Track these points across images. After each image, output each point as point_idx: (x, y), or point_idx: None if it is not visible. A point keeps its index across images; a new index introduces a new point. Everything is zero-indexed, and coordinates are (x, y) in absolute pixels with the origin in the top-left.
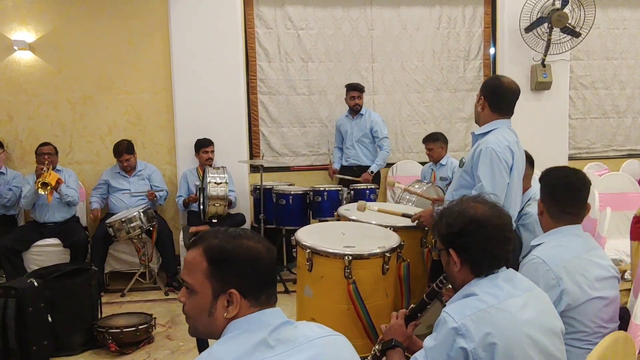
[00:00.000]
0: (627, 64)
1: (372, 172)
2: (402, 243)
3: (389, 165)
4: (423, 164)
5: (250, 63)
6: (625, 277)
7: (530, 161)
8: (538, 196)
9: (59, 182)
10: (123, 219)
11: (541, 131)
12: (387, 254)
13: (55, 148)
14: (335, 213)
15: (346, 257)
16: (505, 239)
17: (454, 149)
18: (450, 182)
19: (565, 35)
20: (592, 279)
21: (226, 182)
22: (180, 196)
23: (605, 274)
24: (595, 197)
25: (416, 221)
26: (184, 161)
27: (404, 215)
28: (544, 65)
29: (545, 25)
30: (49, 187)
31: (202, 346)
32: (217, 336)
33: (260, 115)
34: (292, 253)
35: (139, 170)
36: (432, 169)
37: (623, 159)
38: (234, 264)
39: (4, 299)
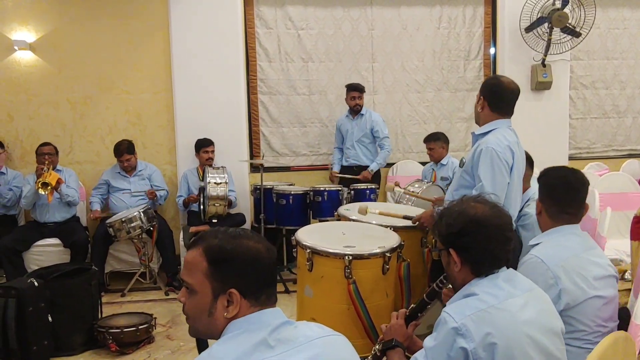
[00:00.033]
0: (628, 64)
1: (372, 170)
2: (403, 243)
3: (389, 165)
4: (423, 164)
5: (251, 63)
6: (626, 277)
7: (529, 161)
8: (537, 196)
9: (59, 182)
10: (123, 219)
11: (541, 131)
12: (388, 254)
13: (55, 148)
14: (336, 213)
15: (346, 257)
16: (506, 239)
17: (455, 149)
18: (450, 182)
19: (565, 35)
20: (591, 278)
21: (226, 182)
22: (181, 196)
23: (603, 273)
24: (595, 197)
25: (417, 222)
26: (184, 161)
27: (405, 217)
28: (544, 65)
29: (546, 25)
30: (50, 187)
31: (201, 346)
32: (217, 336)
33: (260, 115)
34: (292, 253)
35: (139, 170)
36: (433, 169)
37: (623, 158)
38: (234, 264)
39: (5, 299)
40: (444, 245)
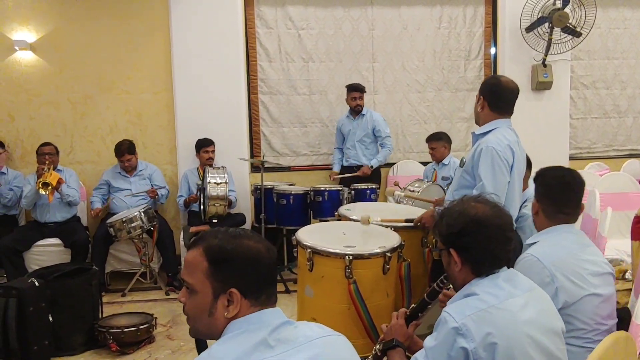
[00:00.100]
0: (628, 64)
1: (371, 166)
2: (403, 243)
3: (390, 165)
4: (424, 163)
5: (251, 63)
6: (626, 277)
7: (527, 162)
8: None
9: (59, 182)
10: (124, 219)
11: (542, 131)
12: (388, 254)
13: (56, 148)
14: (336, 213)
15: (347, 257)
16: (506, 239)
17: (455, 149)
18: (451, 182)
19: (566, 35)
20: (587, 276)
21: (226, 182)
22: (181, 196)
23: (599, 270)
24: (596, 197)
25: (418, 223)
26: (184, 161)
27: (406, 221)
28: (544, 65)
29: (546, 25)
30: (50, 187)
31: (200, 347)
32: (217, 336)
33: (260, 115)
34: (292, 253)
35: (140, 170)
36: (434, 169)
37: (624, 158)
38: (234, 264)
39: (5, 299)
40: (444, 245)
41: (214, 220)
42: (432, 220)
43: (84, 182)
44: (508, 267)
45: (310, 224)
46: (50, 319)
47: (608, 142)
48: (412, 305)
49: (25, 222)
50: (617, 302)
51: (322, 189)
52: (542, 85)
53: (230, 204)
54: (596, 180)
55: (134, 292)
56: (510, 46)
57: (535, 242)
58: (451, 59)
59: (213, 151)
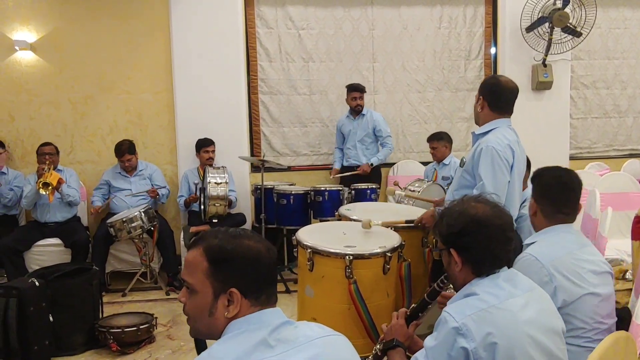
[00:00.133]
0: (629, 64)
1: (371, 164)
2: (403, 243)
3: (390, 165)
4: (424, 163)
5: (251, 63)
6: (627, 277)
7: (527, 162)
8: None
9: (60, 182)
10: (124, 219)
11: (542, 131)
12: (388, 254)
13: (56, 148)
14: (336, 213)
15: (347, 257)
16: (506, 239)
17: (455, 149)
18: (451, 181)
19: (566, 34)
20: (586, 275)
21: (226, 182)
22: (182, 196)
23: (598, 270)
24: (596, 197)
25: (419, 223)
26: (185, 161)
27: (407, 222)
28: (545, 65)
29: (546, 24)
30: (50, 187)
31: (199, 347)
32: (217, 336)
33: (261, 115)
34: (293, 253)
35: (140, 170)
36: (435, 169)
37: (624, 158)
38: (234, 264)
39: (6, 299)
40: (444, 245)
41: (214, 220)
42: (433, 220)
43: (84, 182)
44: (508, 267)
45: (310, 224)
46: (51, 318)
47: (608, 142)
48: (413, 305)
49: (25, 222)
50: (617, 302)
51: (322, 189)
52: (542, 85)
53: (230, 203)
54: (596, 180)
55: (135, 292)
56: (510, 46)
57: (533, 242)
58: (451, 58)
59: (213, 151)
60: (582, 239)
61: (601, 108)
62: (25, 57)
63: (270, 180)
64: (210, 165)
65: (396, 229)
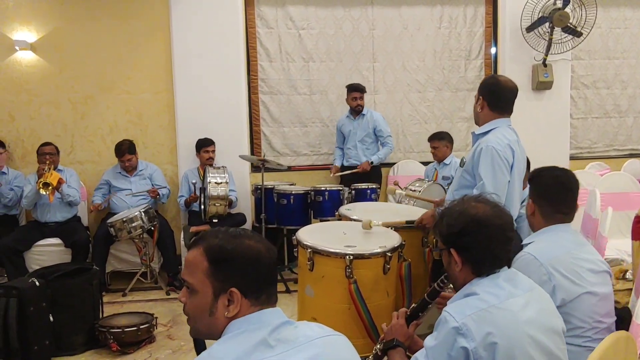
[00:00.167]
0: (629, 64)
1: (372, 162)
2: (403, 242)
3: (390, 164)
4: (424, 163)
5: (252, 63)
6: (627, 276)
7: (527, 162)
8: None
9: (60, 182)
10: (124, 219)
11: (542, 131)
12: (389, 254)
13: (56, 148)
14: (337, 213)
15: (347, 257)
16: (507, 239)
17: (456, 149)
18: (452, 181)
19: (566, 34)
20: (584, 274)
21: (226, 182)
22: (182, 196)
23: (596, 269)
24: (596, 197)
25: (419, 224)
26: (185, 161)
27: (407, 222)
28: (545, 65)
29: (547, 24)
30: (51, 187)
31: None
32: (217, 336)
33: (261, 115)
34: (293, 253)
35: (140, 170)
36: (436, 168)
37: (624, 158)
38: (235, 264)
39: (6, 299)
40: (444, 245)
41: (214, 220)
42: (433, 220)
43: (84, 182)
44: (508, 267)
45: (310, 223)
46: (51, 318)
47: (609, 142)
48: (413, 305)
49: (25, 222)
50: (618, 302)
51: (322, 188)
52: (542, 85)
53: (230, 203)
54: (597, 180)
55: (135, 292)
56: (510, 46)
57: (531, 242)
58: (452, 58)
59: (213, 151)
60: (580, 238)
61: (601, 108)
62: (25, 57)
63: (271, 180)
64: (211, 165)
65: (396, 228)
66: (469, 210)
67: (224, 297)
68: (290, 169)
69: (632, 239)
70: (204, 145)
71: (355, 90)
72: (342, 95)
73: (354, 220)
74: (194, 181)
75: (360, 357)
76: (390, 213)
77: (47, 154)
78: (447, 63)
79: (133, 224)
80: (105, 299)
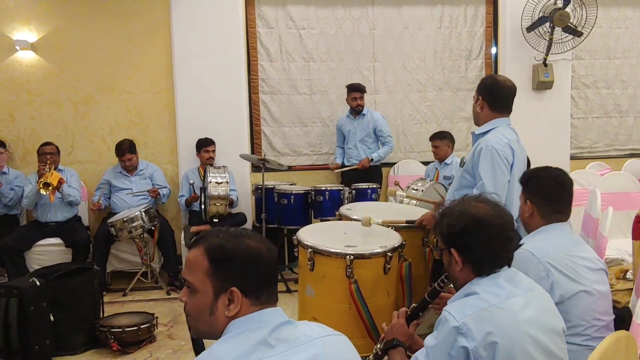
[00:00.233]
0: (629, 63)
1: (372, 159)
2: (404, 242)
3: (391, 164)
4: (425, 163)
5: (252, 63)
6: (627, 276)
7: (527, 162)
8: None
9: (60, 182)
10: (125, 219)
11: (543, 131)
12: (389, 254)
13: (57, 148)
14: (337, 212)
15: (348, 257)
16: (507, 239)
17: (456, 149)
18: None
19: (567, 34)
20: (582, 272)
21: (227, 182)
22: (182, 196)
23: (593, 266)
24: (597, 197)
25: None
26: (185, 161)
27: (407, 222)
28: (545, 65)
29: (547, 24)
30: (51, 187)
31: (197, 348)
32: (218, 336)
33: (261, 115)
34: (293, 252)
35: (141, 170)
36: (437, 168)
37: (625, 158)
38: (235, 263)
39: (7, 299)
40: (445, 245)
41: (214, 220)
42: (433, 221)
43: (85, 181)
44: (509, 267)
45: (311, 223)
46: (52, 318)
47: (609, 142)
48: (413, 304)
49: (26, 222)
50: (618, 302)
51: (323, 188)
52: (543, 85)
53: (231, 203)
54: (597, 180)
55: (135, 292)
56: (511, 46)
57: (529, 240)
58: (452, 58)
59: (214, 151)
60: (576, 237)
61: (602, 108)
62: (26, 56)
63: (271, 180)
64: (211, 165)
65: (397, 228)
66: (470, 210)
67: (224, 296)
68: (290, 168)
69: (633, 238)
70: (205, 145)
71: (355, 91)
72: (343, 95)
73: (355, 220)
74: (192, 181)
75: (361, 356)
76: (390, 213)
77: (48, 154)
78: (447, 63)
79: (133, 224)
80: (105, 299)
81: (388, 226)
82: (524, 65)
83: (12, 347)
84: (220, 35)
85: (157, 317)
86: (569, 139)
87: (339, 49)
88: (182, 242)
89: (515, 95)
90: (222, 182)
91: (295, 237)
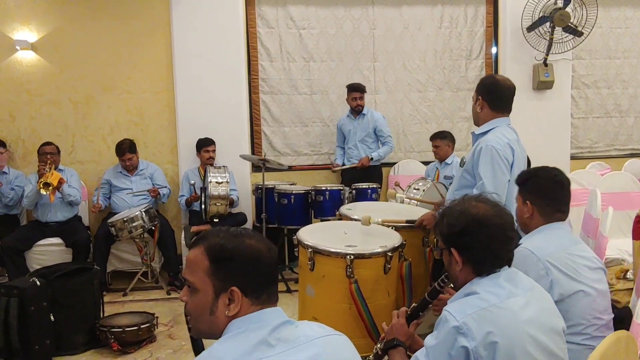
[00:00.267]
0: (630, 63)
1: (371, 158)
2: (404, 242)
3: (391, 164)
4: (425, 163)
5: (252, 62)
6: (628, 276)
7: (527, 161)
8: None
9: (61, 181)
10: (125, 219)
11: (543, 130)
12: (389, 253)
13: (57, 147)
14: (337, 212)
15: (348, 257)
16: (507, 238)
17: (456, 149)
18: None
19: (567, 34)
20: (581, 270)
21: (227, 182)
22: (183, 196)
23: (592, 265)
24: (597, 197)
25: (420, 225)
26: (185, 161)
27: (407, 222)
28: (546, 65)
29: (547, 24)
30: (51, 187)
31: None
32: (218, 335)
33: (262, 115)
34: (294, 252)
35: (141, 170)
36: (437, 168)
37: (625, 158)
38: (236, 263)
39: (7, 298)
40: (445, 245)
41: (215, 220)
42: (433, 220)
43: (85, 181)
44: (509, 267)
45: (311, 223)
46: (52, 318)
47: (609, 142)
48: (413, 304)
49: (26, 222)
50: (618, 302)
51: (323, 188)
52: (543, 85)
53: (232, 203)
54: (597, 180)
55: (135, 292)
56: (511, 46)
57: (529, 239)
58: (452, 58)
59: (214, 151)
60: (574, 236)
61: (602, 108)
62: (26, 56)
63: (271, 180)
64: (211, 165)
65: (397, 228)
66: (470, 209)
67: (224, 296)
68: (291, 168)
69: (633, 238)
70: (205, 145)
71: (355, 91)
72: (343, 95)
73: (355, 220)
74: (193, 182)
75: (361, 356)
76: (391, 212)
77: (48, 154)
78: (447, 63)
79: (134, 224)
80: (106, 299)
81: (388, 226)
82: (524, 65)
83: (13, 347)
84: (221, 35)
85: (157, 317)
86: (569, 138)
87: (339, 48)
88: (183, 242)
89: (514, 94)
90: (222, 182)
91: (295, 237)
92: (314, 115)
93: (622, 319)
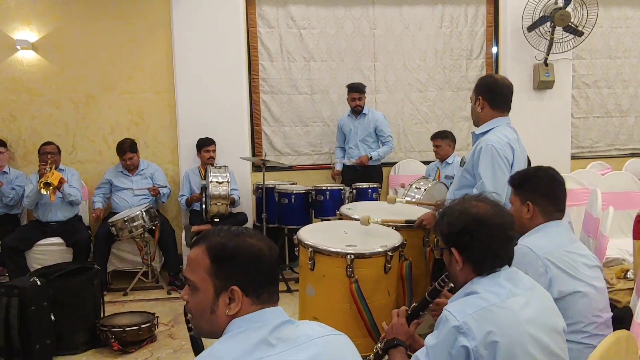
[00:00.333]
0: (630, 63)
1: (371, 157)
2: (404, 242)
3: (391, 164)
4: (425, 163)
5: (253, 62)
6: (628, 276)
7: (527, 161)
8: None
9: (61, 181)
10: (125, 218)
11: (544, 130)
12: (390, 253)
13: (58, 147)
14: (338, 212)
15: (348, 256)
16: (507, 238)
17: (457, 148)
18: None
19: (567, 34)
20: (580, 268)
21: (228, 181)
22: (183, 195)
23: (590, 263)
24: (598, 197)
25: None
26: (186, 160)
27: (407, 222)
28: (546, 64)
29: (548, 24)
30: (52, 187)
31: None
32: (219, 334)
33: (262, 115)
34: (294, 252)
35: (142, 169)
36: (438, 167)
37: (626, 158)
38: (236, 262)
39: (7, 298)
40: (445, 244)
41: (215, 220)
42: (433, 220)
43: (85, 181)
44: (509, 266)
45: (311, 223)
46: (52, 318)
47: (610, 142)
48: (414, 304)
49: (27, 222)
50: (619, 302)
51: (323, 188)
52: (544, 85)
53: (233, 202)
54: (598, 180)
55: (136, 292)
56: (511, 45)
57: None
58: (453, 58)
59: (214, 150)
60: (572, 235)
61: (603, 107)
62: (26, 56)
63: (272, 180)
64: (212, 164)
65: (397, 228)
66: (470, 209)
67: (225, 295)
68: (291, 168)
69: (634, 238)
70: (205, 145)
71: (354, 91)
72: (343, 95)
73: (355, 219)
74: (203, 182)
75: (361, 356)
76: (391, 212)
77: (49, 154)
78: (448, 62)
79: (134, 224)
80: (106, 299)
81: (388, 226)
82: (524, 64)
83: (13, 347)
84: (221, 35)
85: (157, 317)
86: (570, 138)
87: (340, 48)
88: (183, 241)
89: (513, 93)
90: (223, 182)
91: (295, 236)
92: (314, 115)
93: (622, 318)
